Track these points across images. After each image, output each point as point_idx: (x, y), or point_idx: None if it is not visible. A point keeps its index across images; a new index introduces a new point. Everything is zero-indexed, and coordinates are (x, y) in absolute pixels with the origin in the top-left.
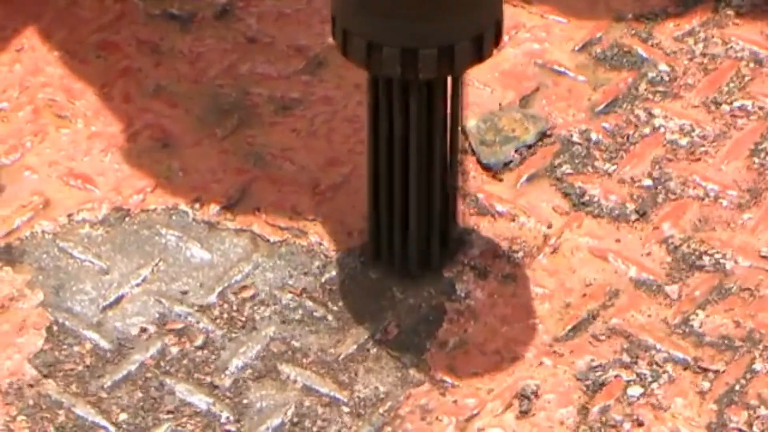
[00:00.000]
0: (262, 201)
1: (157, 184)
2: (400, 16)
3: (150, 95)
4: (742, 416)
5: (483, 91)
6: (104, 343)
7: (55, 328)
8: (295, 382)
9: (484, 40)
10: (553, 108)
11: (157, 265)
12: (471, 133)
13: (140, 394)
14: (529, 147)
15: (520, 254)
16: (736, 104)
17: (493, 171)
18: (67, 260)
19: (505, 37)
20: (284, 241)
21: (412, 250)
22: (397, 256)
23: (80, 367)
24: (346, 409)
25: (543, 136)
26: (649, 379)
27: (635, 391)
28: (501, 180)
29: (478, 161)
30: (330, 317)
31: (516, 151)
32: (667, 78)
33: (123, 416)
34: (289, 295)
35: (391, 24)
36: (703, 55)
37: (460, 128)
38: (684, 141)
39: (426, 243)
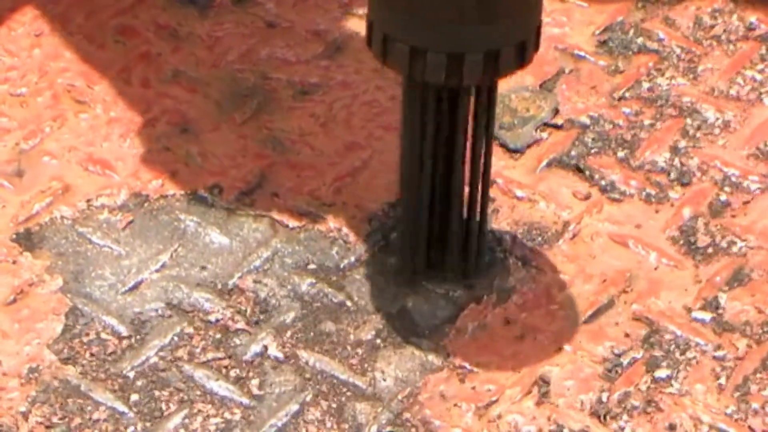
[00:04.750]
0: (281, 186)
1: (175, 170)
2: (446, 20)
3: (168, 80)
4: (762, 402)
5: None
6: (123, 329)
7: (74, 313)
8: (313, 367)
9: (527, 46)
10: (573, 93)
11: (176, 250)
12: None
13: (158, 379)
14: (546, 124)
15: (540, 240)
16: (759, 88)
17: (519, 154)
18: (86, 246)
19: None
20: (303, 226)
21: (449, 256)
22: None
23: (99, 353)
24: (365, 395)
25: (556, 111)
26: (669, 366)
27: (655, 377)
28: (516, 159)
29: (504, 146)
30: (349, 303)
31: (536, 129)
32: (687, 61)
33: (141, 401)
34: (308, 281)
35: (436, 28)
36: (724, 37)
37: (493, 135)
38: (705, 126)
39: (462, 251)
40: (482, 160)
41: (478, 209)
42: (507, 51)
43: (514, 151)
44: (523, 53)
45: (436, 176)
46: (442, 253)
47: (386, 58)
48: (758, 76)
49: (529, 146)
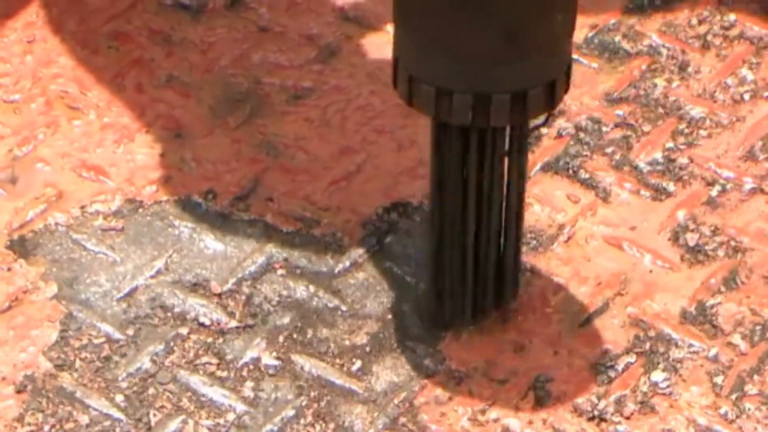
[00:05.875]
0: (275, 191)
1: (169, 175)
2: (473, 60)
3: (162, 85)
4: (757, 404)
5: None
6: (118, 335)
7: (68, 320)
8: (308, 372)
9: (557, 86)
10: (567, 95)
11: (170, 256)
12: None
13: (154, 386)
14: (540, 127)
15: (535, 243)
16: (751, 89)
17: None
18: (80, 252)
19: None
20: (297, 231)
21: (483, 298)
22: (463, 303)
23: (94, 360)
24: (360, 400)
25: (550, 114)
26: (665, 368)
27: (650, 380)
28: None
29: None
30: (344, 307)
31: (534, 130)
32: (680, 63)
33: (136, 407)
34: (303, 286)
35: (462, 69)
36: (717, 40)
37: (525, 177)
38: (698, 127)
39: (486, 290)
40: (514, 203)
41: (511, 250)
42: (535, 91)
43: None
44: (552, 93)
45: (470, 219)
46: (478, 297)
47: (412, 99)
48: (750, 78)
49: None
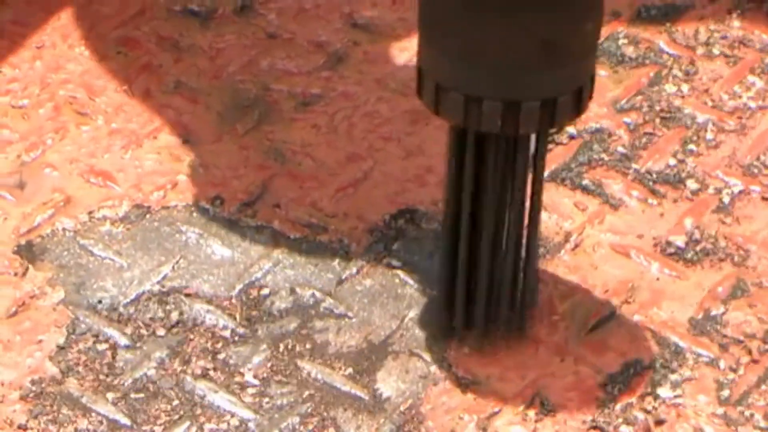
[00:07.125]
0: (283, 197)
1: (177, 181)
2: (504, 67)
3: (170, 91)
4: (765, 413)
5: None
6: (125, 341)
7: (75, 325)
8: (315, 379)
9: (583, 93)
10: None
11: (177, 262)
12: None
13: (159, 392)
14: (553, 134)
15: (542, 251)
16: (759, 97)
17: None
18: (87, 258)
19: None
20: (305, 237)
21: (500, 311)
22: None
23: (101, 365)
24: (366, 407)
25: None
26: (672, 377)
27: (657, 388)
28: None
29: None
30: (350, 314)
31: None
32: (689, 72)
33: (143, 414)
34: (310, 292)
35: (492, 76)
36: (725, 48)
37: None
38: (706, 136)
39: (504, 304)
40: (530, 210)
41: (530, 259)
42: (564, 98)
43: None
44: (579, 100)
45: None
46: (492, 307)
47: (439, 108)
48: (759, 85)
49: None
